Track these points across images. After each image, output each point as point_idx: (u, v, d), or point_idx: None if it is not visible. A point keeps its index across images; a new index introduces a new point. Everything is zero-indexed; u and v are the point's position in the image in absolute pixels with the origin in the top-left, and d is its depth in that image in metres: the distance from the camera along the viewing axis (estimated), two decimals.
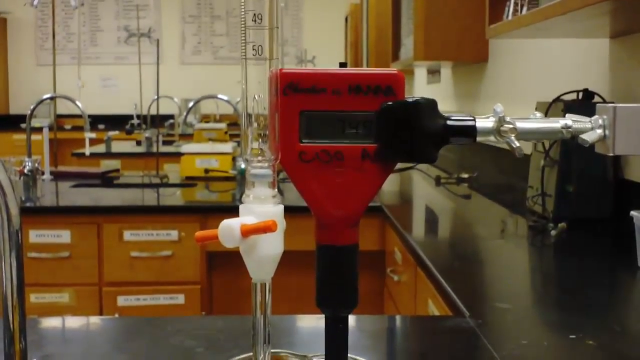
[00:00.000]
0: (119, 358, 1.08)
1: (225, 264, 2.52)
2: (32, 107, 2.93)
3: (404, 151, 0.38)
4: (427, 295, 1.57)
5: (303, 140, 0.38)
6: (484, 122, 0.40)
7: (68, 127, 5.91)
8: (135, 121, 5.53)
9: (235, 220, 0.39)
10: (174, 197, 2.87)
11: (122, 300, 2.45)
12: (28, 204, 2.58)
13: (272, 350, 0.41)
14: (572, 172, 1.92)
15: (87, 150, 2.97)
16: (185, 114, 3.04)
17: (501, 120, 0.39)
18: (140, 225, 2.46)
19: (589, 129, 0.40)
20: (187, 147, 3.09)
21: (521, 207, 2.11)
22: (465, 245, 1.95)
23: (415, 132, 0.38)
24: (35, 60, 6.58)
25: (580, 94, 1.96)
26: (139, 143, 4.51)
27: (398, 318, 1.51)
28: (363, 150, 0.38)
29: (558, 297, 1.41)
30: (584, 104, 1.94)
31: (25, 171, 2.84)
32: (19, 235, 0.64)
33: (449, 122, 0.39)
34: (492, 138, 0.40)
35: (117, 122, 5.72)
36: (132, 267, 2.46)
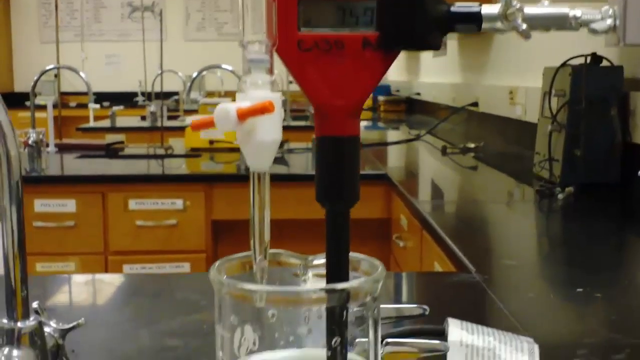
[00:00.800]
0: (122, 310, 1.08)
1: (230, 232, 2.52)
2: (35, 78, 2.91)
3: (406, 38, 0.37)
4: (433, 258, 1.56)
5: (302, 29, 0.36)
6: (490, 8, 0.39)
7: (73, 104, 5.89)
8: (140, 98, 5.53)
9: (231, 104, 0.38)
10: (179, 167, 2.86)
11: (127, 269, 2.45)
12: (33, 174, 2.57)
13: (271, 251, 0.40)
14: (579, 137, 1.90)
15: (92, 121, 2.96)
16: (189, 84, 3.02)
17: (507, 5, 0.38)
18: (145, 194, 2.45)
19: (599, 19, 0.39)
20: (191, 119, 3.08)
21: (528, 175, 2.10)
22: (471, 209, 1.94)
23: (417, 18, 0.37)
24: (39, 38, 6.57)
25: (589, 59, 1.94)
26: (143, 118, 4.50)
27: (404, 274, 1.51)
28: (364, 39, 0.37)
29: (565, 255, 1.40)
30: (592, 68, 1.92)
31: (30, 142, 2.83)
32: (19, 173, 0.62)
33: (452, 9, 0.38)
34: (498, 24, 0.38)
35: (122, 99, 5.71)
36: (138, 236, 2.46)
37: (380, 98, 4.88)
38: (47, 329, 0.68)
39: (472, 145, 2.82)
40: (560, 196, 1.83)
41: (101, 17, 6.72)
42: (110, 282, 1.26)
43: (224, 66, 2.88)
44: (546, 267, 1.34)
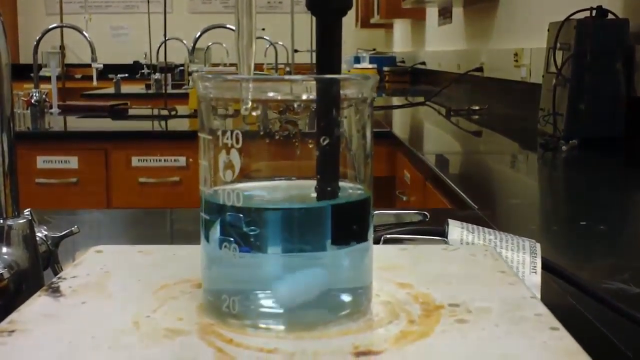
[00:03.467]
0: (117, 242, 1.08)
1: None
2: (37, 37, 2.91)
3: None
4: (436, 206, 1.56)
5: None
6: None
7: (78, 76, 5.89)
8: (146, 70, 5.52)
9: None
10: (182, 125, 2.86)
11: None
12: (35, 130, 2.58)
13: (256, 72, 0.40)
14: (584, 90, 1.89)
15: (94, 81, 2.96)
16: (192, 46, 3.00)
17: None
18: (148, 151, 2.45)
19: None
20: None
21: (533, 133, 2.09)
22: (475, 161, 1.94)
23: None
24: (44, 9, 6.56)
25: (594, 12, 1.92)
26: (148, 87, 4.49)
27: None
28: None
29: (569, 196, 1.40)
30: (597, 21, 1.90)
31: (33, 101, 2.83)
32: (9, 77, 0.61)
33: None
34: None
35: (128, 71, 5.71)
36: (140, 193, 2.46)
37: (385, 69, 4.86)
38: (39, 234, 0.68)
39: (476, 108, 2.82)
40: (564, 148, 1.82)
41: None
42: (107, 215, 1.27)
43: (228, 26, 2.87)
44: (550, 206, 1.34)
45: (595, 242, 1.01)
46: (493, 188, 1.55)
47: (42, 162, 2.46)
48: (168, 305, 0.42)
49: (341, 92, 0.38)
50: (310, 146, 0.39)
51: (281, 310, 0.38)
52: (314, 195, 0.39)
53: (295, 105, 0.36)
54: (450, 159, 1.99)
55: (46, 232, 0.71)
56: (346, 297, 0.40)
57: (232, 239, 0.38)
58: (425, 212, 0.83)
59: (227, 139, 0.37)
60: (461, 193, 1.32)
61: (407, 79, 4.76)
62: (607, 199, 1.33)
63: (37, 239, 0.67)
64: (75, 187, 2.46)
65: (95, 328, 0.39)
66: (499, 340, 0.37)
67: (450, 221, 0.75)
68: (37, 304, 0.42)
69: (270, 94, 0.37)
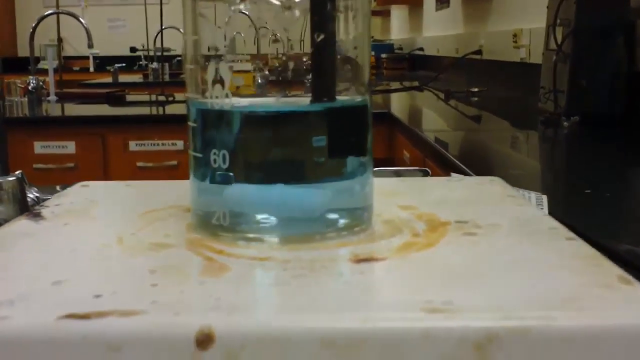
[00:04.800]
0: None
1: None
2: (33, 25, 2.87)
3: None
4: None
5: None
6: None
7: (76, 68, 5.86)
8: (144, 62, 5.48)
9: None
10: (180, 109, 2.82)
11: None
12: (32, 116, 2.55)
13: None
14: (584, 66, 1.86)
15: (91, 67, 2.92)
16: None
17: None
18: (145, 135, 2.42)
19: None
20: None
21: (533, 111, 2.06)
22: (474, 137, 1.91)
23: None
24: (42, 2, 6.52)
25: None
26: (146, 77, 4.46)
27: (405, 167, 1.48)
28: None
29: (572, 167, 1.38)
30: None
31: (30, 88, 2.80)
32: None
33: None
34: None
35: (125, 62, 5.68)
36: (139, 177, 2.43)
37: (383, 56, 4.83)
38: (30, 195, 0.66)
39: (475, 90, 2.79)
40: (565, 124, 1.79)
41: None
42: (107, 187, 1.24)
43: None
44: (553, 177, 1.32)
45: (600, 208, 0.99)
46: (495, 162, 1.52)
47: (40, 147, 2.43)
48: (155, 224, 0.39)
49: None
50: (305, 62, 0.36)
51: (275, 222, 0.36)
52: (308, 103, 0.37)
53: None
54: (450, 137, 1.96)
55: (37, 194, 0.69)
56: (345, 214, 0.38)
57: (221, 149, 0.36)
58: (427, 169, 0.80)
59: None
60: (463, 166, 1.30)
61: (406, 65, 4.73)
62: (611, 171, 1.30)
63: (29, 200, 0.65)
64: (73, 172, 2.43)
65: (76, 244, 0.36)
66: (511, 248, 0.34)
67: (453, 175, 0.72)
68: (17, 225, 0.39)
69: None
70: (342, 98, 0.37)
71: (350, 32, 0.38)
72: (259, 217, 0.36)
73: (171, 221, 0.40)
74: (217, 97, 0.36)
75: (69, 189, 0.48)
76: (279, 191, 0.36)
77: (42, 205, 0.43)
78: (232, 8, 0.36)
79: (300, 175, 0.37)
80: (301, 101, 0.37)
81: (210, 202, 0.37)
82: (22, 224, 0.40)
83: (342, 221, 0.37)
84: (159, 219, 0.41)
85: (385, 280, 0.31)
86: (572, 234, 0.36)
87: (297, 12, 0.38)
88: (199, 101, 0.37)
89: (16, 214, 0.60)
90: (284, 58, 0.38)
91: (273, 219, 0.36)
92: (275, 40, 0.39)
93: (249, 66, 0.39)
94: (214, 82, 0.36)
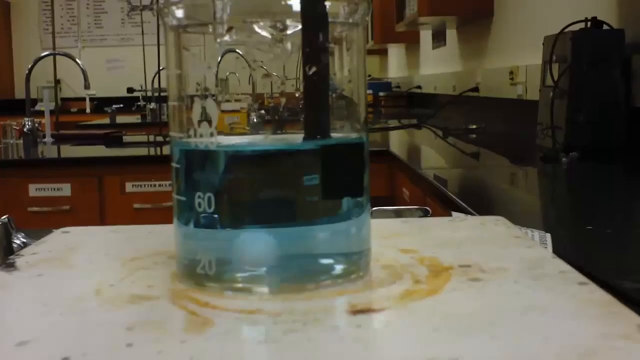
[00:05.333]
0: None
1: None
2: (29, 66, 2.87)
3: None
4: None
5: None
6: None
7: (74, 110, 5.86)
8: (142, 102, 5.49)
9: None
10: None
11: None
12: (27, 158, 2.53)
13: None
14: (582, 102, 1.84)
15: (87, 109, 2.91)
16: None
17: None
18: (142, 176, 2.40)
19: None
20: None
21: (531, 148, 2.04)
22: (474, 175, 1.89)
23: None
24: (40, 44, 6.54)
25: (589, 23, 1.89)
26: (144, 117, 4.46)
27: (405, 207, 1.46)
28: None
29: (573, 203, 1.35)
30: (593, 31, 1.87)
31: (25, 130, 2.78)
32: None
33: None
34: None
35: (123, 103, 5.68)
36: (135, 219, 2.40)
37: (381, 94, 4.84)
38: (16, 241, 0.63)
39: (473, 127, 2.77)
40: (564, 160, 1.77)
41: (102, 22, 6.69)
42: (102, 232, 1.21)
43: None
44: (555, 213, 1.29)
45: (602, 244, 0.96)
46: (496, 200, 1.50)
47: (35, 190, 2.40)
48: (138, 274, 0.37)
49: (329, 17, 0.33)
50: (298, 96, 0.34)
51: (264, 270, 0.33)
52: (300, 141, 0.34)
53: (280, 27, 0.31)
54: (449, 174, 1.93)
55: (25, 240, 0.66)
56: (341, 260, 0.35)
57: (206, 192, 0.33)
58: (427, 208, 0.78)
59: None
60: (463, 204, 1.27)
61: (404, 103, 4.73)
62: (612, 206, 1.28)
63: (15, 245, 0.62)
64: (68, 214, 2.39)
65: (49, 298, 0.33)
66: (519, 295, 0.31)
67: (453, 214, 0.70)
68: None
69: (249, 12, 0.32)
70: (337, 135, 0.35)
71: (344, 67, 0.35)
72: (247, 265, 0.33)
73: (156, 270, 0.37)
74: (201, 136, 0.33)
75: (48, 235, 0.45)
76: (269, 236, 0.33)
77: (17, 254, 0.41)
78: (219, 40, 0.34)
79: (291, 218, 0.34)
80: (294, 138, 0.35)
81: (195, 249, 0.34)
82: None
83: (337, 267, 0.34)
84: (142, 268, 0.38)
85: (385, 334, 0.29)
86: (584, 278, 0.33)
87: (289, 46, 0.36)
88: (183, 141, 0.35)
89: (0, 260, 0.58)
90: (276, 95, 0.36)
91: (262, 267, 0.33)
92: (267, 75, 0.37)
93: (238, 104, 0.37)
94: (200, 120, 0.34)
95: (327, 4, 0.33)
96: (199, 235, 0.35)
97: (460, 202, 1.28)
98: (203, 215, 0.33)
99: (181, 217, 0.36)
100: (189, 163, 0.35)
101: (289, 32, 0.36)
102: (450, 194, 1.36)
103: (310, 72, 0.32)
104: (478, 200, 1.35)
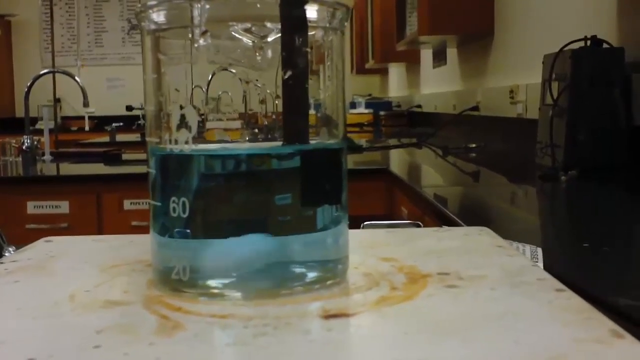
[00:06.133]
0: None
1: None
2: (28, 84, 2.87)
3: None
4: None
5: None
6: None
7: (74, 128, 5.87)
8: (142, 121, 5.50)
9: None
10: None
11: None
12: (25, 175, 2.53)
13: None
14: (581, 120, 1.84)
15: (86, 126, 2.91)
16: None
17: None
18: (140, 194, 2.40)
19: None
20: None
21: (530, 167, 2.04)
22: (473, 193, 1.88)
23: None
24: (41, 63, 6.56)
25: (588, 42, 1.89)
26: (143, 136, 4.46)
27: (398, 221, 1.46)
28: None
29: (571, 222, 1.35)
30: (593, 50, 1.87)
31: (24, 148, 2.78)
32: None
33: None
34: None
35: (123, 121, 5.69)
36: None
37: (382, 113, 4.85)
38: (6, 254, 0.64)
39: (473, 146, 2.77)
40: (563, 179, 1.77)
41: (102, 42, 6.72)
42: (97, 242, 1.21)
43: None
44: (552, 232, 1.29)
45: (599, 261, 0.96)
46: (493, 218, 1.49)
47: (33, 207, 2.40)
48: (115, 280, 0.37)
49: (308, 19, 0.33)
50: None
51: (235, 279, 0.33)
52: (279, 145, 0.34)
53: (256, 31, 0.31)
54: (448, 192, 1.93)
55: (14, 252, 0.66)
56: (316, 267, 0.35)
57: (181, 197, 0.33)
58: (420, 223, 0.77)
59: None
60: (461, 222, 1.27)
61: (404, 122, 4.73)
62: (610, 225, 1.27)
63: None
64: (66, 231, 2.39)
65: (22, 302, 0.33)
66: (496, 301, 0.31)
67: (444, 227, 0.69)
68: None
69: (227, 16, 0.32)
70: (315, 141, 0.35)
71: (325, 72, 0.35)
72: (220, 270, 0.33)
73: (133, 277, 0.37)
74: (176, 142, 0.33)
75: (31, 244, 0.45)
76: (242, 241, 0.33)
77: None
78: (196, 45, 0.34)
79: (265, 226, 0.34)
80: (273, 145, 0.35)
81: (169, 256, 0.34)
82: None
83: (311, 274, 0.34)
84: (120, 275, 0.38)
85: (355, 337, 0.28)
86: (561, 285, 0.33)
87: (269, 53, 0.36)
88: (159, 146, 0.35)
89: None
90: (270, 114, 0.36)
91: (236, 272, 0.33)
92: (262, 102, 0.37)
93: (231, 124, 0.37)
94: (179, 126, 0.34)
95: (306, 7, 0.33)
96: (172, 242, 0.34)
97: (457, 220, 1.27)
98: (177, 220, 0.33)
99: (156, 224, 0.35)
100: (164, 168, 0.35)
101: (269, 39, 0.36)
102: (448, 212, 1.36)
103: (287, 77, 0.32)
104: (474, 218, 1.35)
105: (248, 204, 0.33)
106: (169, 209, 0.33)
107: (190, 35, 0.34)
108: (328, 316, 0.30)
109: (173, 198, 0.33)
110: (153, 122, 0.35)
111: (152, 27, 0.34)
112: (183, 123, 0.34)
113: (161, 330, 0.28)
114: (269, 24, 0.33)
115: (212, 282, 0.33)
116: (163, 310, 0.31)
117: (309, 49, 0.33)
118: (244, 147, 0.35)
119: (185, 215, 0.33)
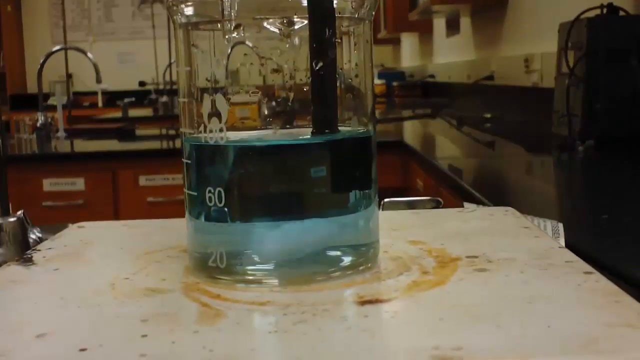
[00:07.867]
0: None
1: None
2: (41, 61, 2.88)
3: None
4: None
5: None
6: None
7: (86, 104, 5.88)
8: (154, 95, 5.51)
9: None
10: None
11: None
12: (40, 153, 2.54)
13: None
14: (598, 89, 1.83)
15: (99, 103, 2.92)
16: None
17: None
18: (155, 170, 2.41)
19: None
20: None
21: (547, 137, 2.04)
22: (489, 164, 1.89)
23: None
24: (51, 39, 6.57)
25: (604, 10, 1.87)
26: (156, 111, 4.47)
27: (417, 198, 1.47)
28: None
29: (589, 192, 1.35)
30: (609, 18, 1.86)
31: (38, 125, 2.80)
32: None
33: None
34: None
35: (135, 96, 5.70)
36: (149, 212, 2.41)
37: (394, 84, 4.83)
38: (32, 236, 0.64)
39: (488, 116, 2.77)
40: (580, 149, 1.76)
41: (112, 16, 6.71)
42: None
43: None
44: (571, 203, 1.29)
45: (619, 232, 0.96)
46: (510, 189, 1.50)
47: (49, 184, 2.42)
48: (151, 267, 0.38)
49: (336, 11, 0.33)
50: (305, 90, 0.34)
51: (274, 262, 0.34)
52: (309, 135, 0.35)
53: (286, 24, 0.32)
54: (463, 164, 1.93)
55: (40, 234, 0.67)
56: (349, 252, 0.35)
57: (216, 186, 0.34)
58: (439, 199, 0.78)
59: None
60: (477, 194, 1.27)
61: (418, 92, 4.72)
62: (629, 195, 1.27)
63: (31, 240, 0.63)
64: (82, 208, 2.41)
65: (65, 291, 0.34)
66: (526, 285, 0.32)
67: (465, 204, 0.70)
68: (5, 271, 0.38)
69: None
70: (345, 129, 0.36)
71: (352, 61, 0.36)
72: (257, 257, 0.34)
73: (169, 263, 0.38)
74: (211, 132, 0.34)
75: (64, 230, 0.46)
76: (278, 229, 0.34)
77: (34, 249, 0.42)
78: (227, 37, 0.34)
79: (300, 210, 0.35)
80: (302, 132, 0.36)
81: (206, 243, 0.35)
82: (11, 269, 0.38)
83: (345, 259, 0.35)
84: (156, 261, 0.39)
85: (391, 324, 0.29)
86: (590, 268, 0.34)
87: (296, 41, 0.36)
88: (193, 136, 0.36)
89: (17, 255, 0.58)
90: (288, 83, 0.36)
91: (272, 260, 0.34)
92: (276, 70, 0.37)
93: (248, 97, 0.38)
94: (210, 115, 0.35)
95: None
96: (209, 229, 0.35)
97: (474, 192, 1.28)
98: (213, 209, 0.34)
99: (192, 212, 0.36)
100: (199, 158, 0.36)
101: (296, 27, 0.36)
102: (464, 184, 1.36)
103: (317, 68, 0.32)
104: (491, 190, 1.35)
105: (282, 190, 0.34)
106: (204, 198, 0.34)
107: (220, 27, 0.34)
108: (363, 302, 0.31)
109: (209, 187, 0.34)
110: (186, 112, 0.36)
111: (184, 20, 0.35)
112: (214, 111, 0.35)
113: (203, 318, 0.30)
114: (296, 17, 0.34)
115: (248, 269, 0.34)
116: (203, 297, 0.32)
117: (338, 40, 0.33)
118: (275, 137, 0.36)
119: (220, 204, 0.34)
